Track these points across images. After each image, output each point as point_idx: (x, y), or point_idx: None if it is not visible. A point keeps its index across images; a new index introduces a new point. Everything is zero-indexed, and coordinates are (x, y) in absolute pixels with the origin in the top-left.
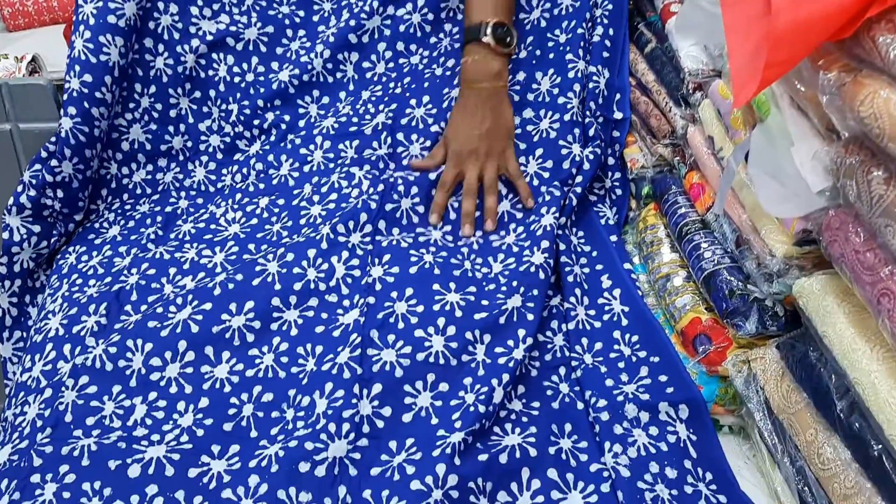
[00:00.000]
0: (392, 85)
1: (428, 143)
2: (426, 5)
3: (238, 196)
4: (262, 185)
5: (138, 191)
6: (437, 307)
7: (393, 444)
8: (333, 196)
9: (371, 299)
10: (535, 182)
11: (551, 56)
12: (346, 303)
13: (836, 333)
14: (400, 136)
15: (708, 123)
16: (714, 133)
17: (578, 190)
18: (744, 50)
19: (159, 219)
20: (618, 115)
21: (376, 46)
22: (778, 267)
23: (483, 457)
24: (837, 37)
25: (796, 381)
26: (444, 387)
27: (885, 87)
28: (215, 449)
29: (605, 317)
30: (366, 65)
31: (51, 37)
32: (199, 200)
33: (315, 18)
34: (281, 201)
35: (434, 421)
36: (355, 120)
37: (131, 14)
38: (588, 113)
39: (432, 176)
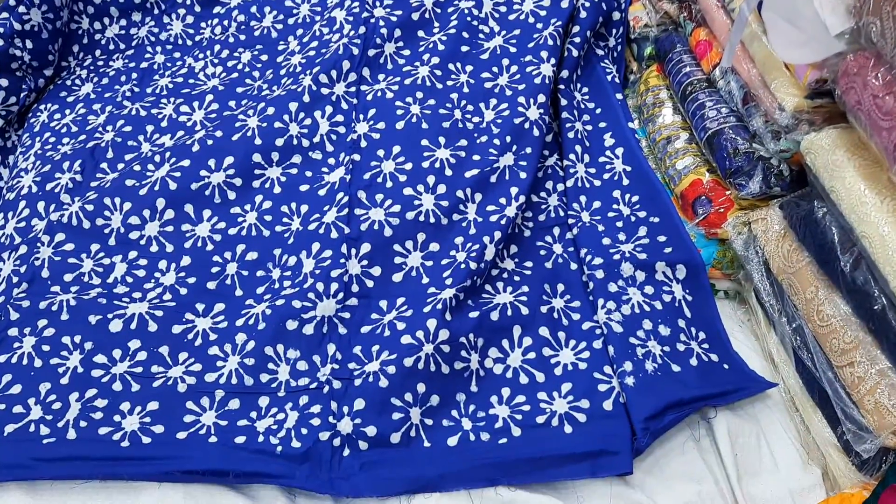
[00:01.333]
0: None
1: None
2: None
3: (217, 48)
4: (243, 37)
5: (111, 46)
6: (426, 164)
7: (383, 304)
8: (314, 44)
9: (357, 157)
10: (532, 20)
11: None
12: (332, 161)
13: (844, 187)
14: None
15: None
16: None
17: (577, 40)
18: None
19: (134, 75)
20: None
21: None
22: (787, 121)
23: (474, 314)
24: None
25: (798, 240)
26: (434, 246)
27: None
28: (200, 307)
29: (606, 175)
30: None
31: None
32: (177, 54)
33: None
34: (264, 57)
35: (425, 280)
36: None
37: None
38: None
39: (415, 16)
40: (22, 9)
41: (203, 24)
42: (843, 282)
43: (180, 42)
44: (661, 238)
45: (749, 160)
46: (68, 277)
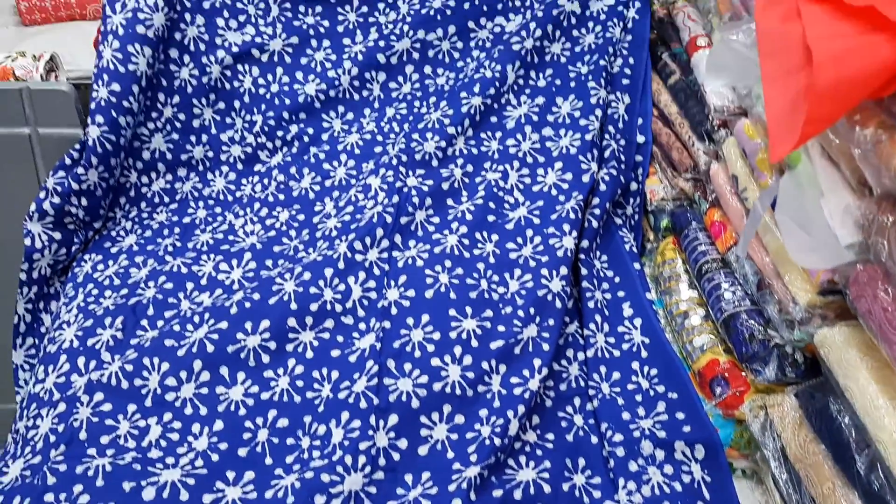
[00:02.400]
0: (417, 104)
1: (443, 143)
2: (456, 34)
3: (257, 206)
4: (282, 197)
5: (156, 199)
6: (453, 334)
7: (409, 478)
8: (350, 209)
9: (387, 324)
10: (554, 192)
11: (572, 84)
12: (363, 326)
13: (858, 388)
14: (415, 136)
15: (732, 162)
16: (738, 172)
17: (597, 212)
18: (782, 102)
19: (177, 230)
20: (640, 139)
21: (404, 68)
22: (800, 315)
23: (498, 492)
24: (878, 95)
25: (814, 432)
26: (459, 418)
27: None
28: (230, 475)
29: (625, 346)
30: (392, 85)
31: (67, 33)
32: (217, 210)
33: (340, 29)
34: (301, 217)
35: (450, 454)
36: (380, 139)
37: (160, 25)
38: (607, 136)
39: (445, 185)
40: (80, 170)
41: (244, 181)
42: (860, 483)
43: (222, 198)
44: (680, 415)
45: (765, 347)
46: (105, 440)
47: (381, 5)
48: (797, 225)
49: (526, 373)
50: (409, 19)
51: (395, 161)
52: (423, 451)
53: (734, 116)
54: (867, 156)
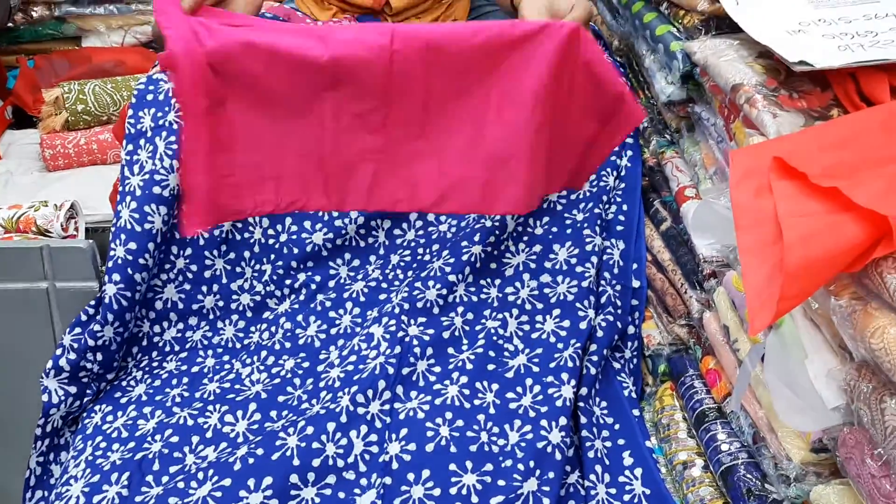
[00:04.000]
0: (421, 251)
1: (444, 291)
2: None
3: (264, 354)
4: (288, 345)
5: (167, 348)
6: (453, 490)
7: None
8: (353, 358)
9: (388, 480)
10: (553, 340)
11: (569, 231)
12: (364, 481)
13: None
14: (418, 284)
15: (723, 312)
16: (729, 323)
17: (595, 358)
18: (759, 275)
19: (185, 379)
20: (636, 284)
21: (408, 216)
22: (795, 472)
23: None
24: (848, 270)
25: None
26: None
27: (894, 323)
28: None
29: (626, 497)
30: (397, 232)
31: (88, 178)
32: (226, 358)
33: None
34: (306, 364)
35: None
36: (384, 286)
37: (175, 184)
38: (603, 282)
39: (446, 334)
40: (97, 327)
41: (252, 329)
42: None
43: (230, 346)
44: None
45: (763, 502)
46: None
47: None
48: (784, 385)
49: None
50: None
51: (397, 309)
52: None
53: (723, 268)
54: (843, 324)
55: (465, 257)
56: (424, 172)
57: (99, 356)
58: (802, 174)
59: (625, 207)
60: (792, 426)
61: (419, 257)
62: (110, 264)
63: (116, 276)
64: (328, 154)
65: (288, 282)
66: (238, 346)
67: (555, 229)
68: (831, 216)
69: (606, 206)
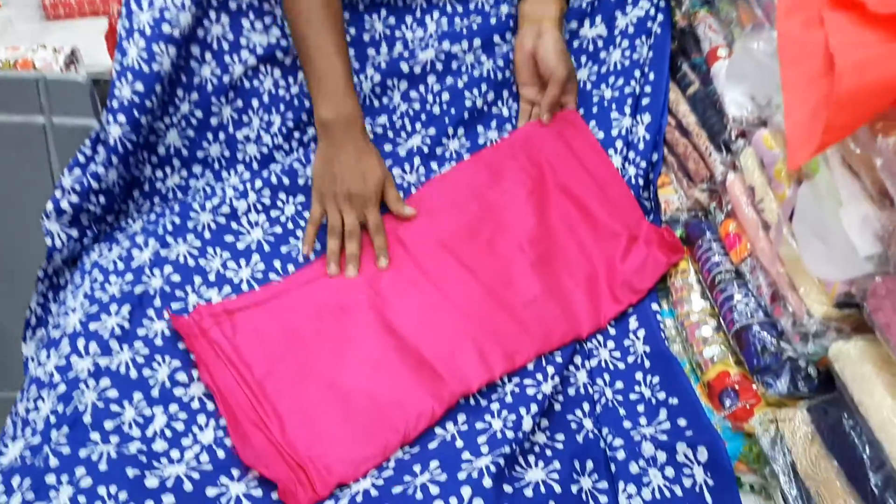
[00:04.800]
0: (430, 101)
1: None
2: (481, 47)
3: (259, 184)
4: (286, 180)
5: (169, 195)
6: None
7: (417, 467)
8: None
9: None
10: None
11: (595, 111)
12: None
13: (873, 403)
14: (434, 165)
15: (749, 173)
16: (755, 183)
17: None
18: (802, 109)
19: (177, 207)
20: (654, 157)
21: (426, 78)
22: (815, 328)
23: (508, 488)
24: None
25: (826, 448)
26: (471, 419)
27: None
28: (235, 472)
29: (630, 358)
30: (413, 94)
31: (90, 29)
32: (218, 187)
33: (366, 38)
34: (307, 213)
35: (459, 444)
36: (391, 135)
37: (185, 24)
38: (626, 162)
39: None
40: (101, 169)
41: (258, 180)
42: (874, 501)
43: (232, 193)
44: (682, 422)
45: (777, 360)
46: (109, 425)
47: (408, 19)
48: (815, 235)
49: (539, 377)
50: (435, 36)
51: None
52: (432, 445)
53: (753, 127)
54: (889, 165)
55: (480, 141)
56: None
57: (101, 199)
58: (858, 3)
59: (652, 77)
60: (820, 277)
61: (428, 108)
62: (115, 105)
63: (122, 118)
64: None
65: (297, 135)
66: (241, 188)
67: (581, 110)
68: (888, 45)
69: (639, 83)
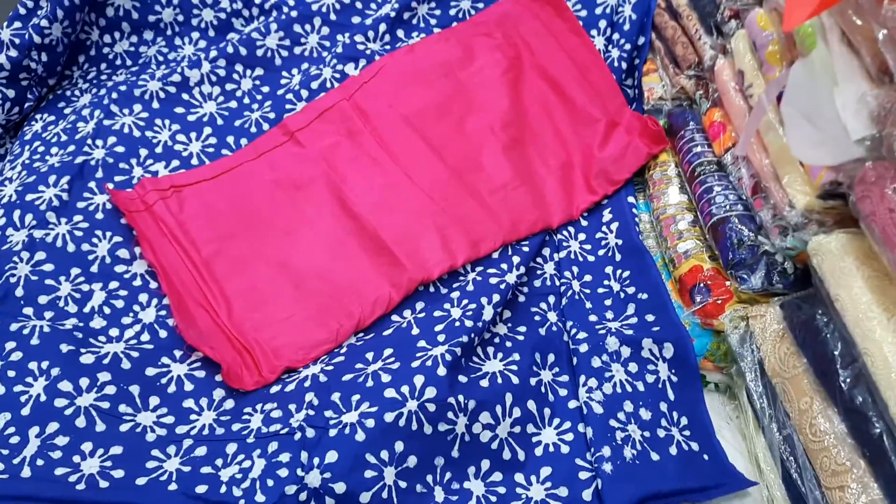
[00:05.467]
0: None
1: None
2: None
3: (213, 54)
4: (243, 51)
5: (118, 62)
6: None
7: (369, 355)
8: (322, 94)
9: None
10: None
11: None
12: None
13: (850, 297)
14: (400, 32)
15: (740, 56)
16: (745, 67)
17: None
18: None
19: (124, 76)
20: (641, 40)
21: None
22: (796, 220)
23: (463, 378)
24: None
25: (797, 345)
26: (429, 307)
27: None
28: (177, 353)
29: (601, 252)
30: None
31: None
32: (172, 56)
33: None
34: (265, 88)
35: (415, 331)
36: (359, 6)
37: None
38: (610, 45)
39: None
40: (45, 23)
41: (213, 47)
42: (841, 398)
43: (185, 61)
44: (649, 317)
45: (753, 253)
46: (43, 300)
47: None
48: (804, 117)
49: (504, 266)
50: None
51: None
52: (387, 332)
53: (747, 6)
54: (892, 35)
55: (452, 11)
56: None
57: (44, 56)
58: None
59: None
60: (807, 161)
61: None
62: None
63: None
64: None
65: (258, 0)
66: (193, 58)
67: None
68: None
69: None
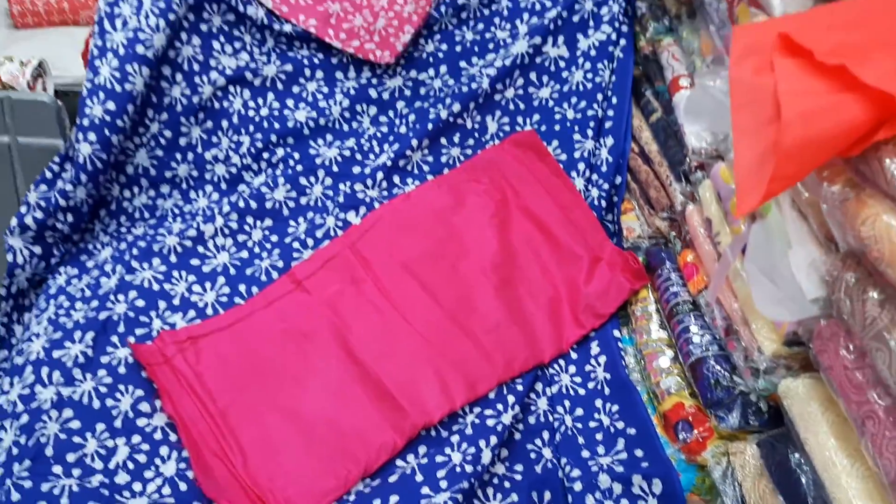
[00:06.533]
0: (398, 123)
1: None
2: (448, 72)
3: (226, 209)
4: (254, 204)
5: (136, 215)
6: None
7: (377, 502)
8: (327, 243)
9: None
10: None
11: (557, 129)
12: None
13: (817, 442)
14: (396, 178)
15: (707, 205)
16: (713, 216)
17: None
18: (751, 155)
19: (144, 230)
20: (618, 180)
21: (395, 104)
22: (765, 364)
23: None
24: (845, 154)
25: (774, 483)
26: (431, 451)
27: (888, 210)
28: None
29: (591, 384)
30: (382, 119)
31: (58, 38)
32: (187, 208)
33: (334, 61)
34: (274, 237)
35: (419, 478)
36: (359, 157)
37: (159, 46)
38: (589, 184)
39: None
40: (69, 187)
41: (226, 201)
42: None
43: (201, 216)
44: (639, 452)
45: (729, 394)
46: (71, 458)
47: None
48: (764, 275)
49: (500, 406)
50: (402, 61)
51: (375, 206)
52: (392, 479)
53: (711, 159)
54: (833, 212)
55: (443, 159)
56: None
57: (69, 217)
58: (807, 52)
59: (615, 101)
60: (769, 316)
61: (396, 129)
62: (86, 123)
63: (92, 136)
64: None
65: (266, 156)
66: (207, 213)
67: (544, 128)
68: (835, 95)
69: (601, 106)
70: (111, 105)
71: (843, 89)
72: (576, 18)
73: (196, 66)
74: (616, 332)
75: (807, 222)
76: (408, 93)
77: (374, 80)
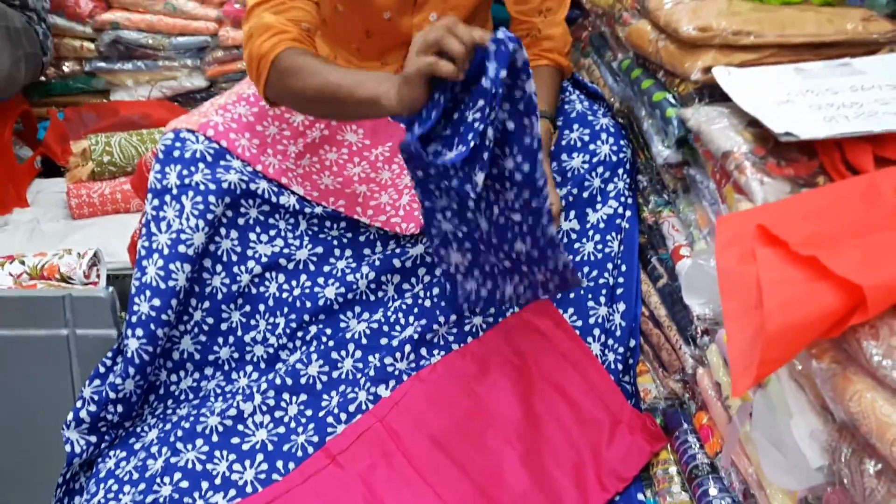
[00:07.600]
0: (422, 296)
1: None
2: None
3: (264, 387)
4: (289, 381)
5: (182, 397)
6: None
7: None
8: (359, 417)
9: None
10: None
11: (571, 296)
12: None
13: None
14: (423, 350)
15: (715, 369)
16: (721, 380)
17: None
18: (742, 338)
19: (188, 411)
20: (632, 343)
21: (417, 271)
22: None
23: None
24: (826, 336)
25: None
26: None
27: (871, 388)
28: None
29: None
30: (405, 286)
31: (111, 226)
32: (228, 388)
33: (362, 239)
34: (308, 412)
35: None
36: (386, 329)
37: (199, 243)
38: (605, 349)
39: None
40: (118, 381)
41: (264, 379)
42: None
43: (241, 395)
44: None
45: None
46: None
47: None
48: (771, 443)
49: None
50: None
51: (404, 378)
52: None
53: (715, 326)
54: (824, 387)
55: (466, 327)
56: None
57: (119, 408)
58: (784, 242)
59: (624, 268)
60: (778, 485)
61: (420, 301)
62: (134, 319)
63: (140, 332)
64: None
65: (300, 334)
66: (248, 391)
67: (559, 296)
68: (810, 284)
69: (611, 274)
70: (156, 301)
71: (818, 278)
72: (585, 195)
73: (234, 257)
74: (640, 496)
75: (804, 392)
76: (429, 259)
77: (398, 251)
